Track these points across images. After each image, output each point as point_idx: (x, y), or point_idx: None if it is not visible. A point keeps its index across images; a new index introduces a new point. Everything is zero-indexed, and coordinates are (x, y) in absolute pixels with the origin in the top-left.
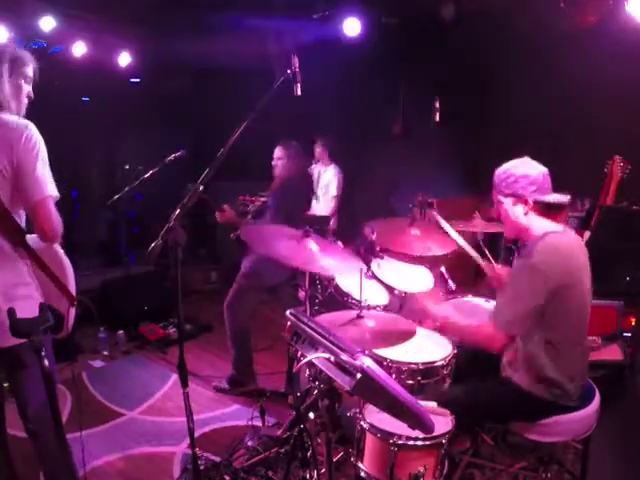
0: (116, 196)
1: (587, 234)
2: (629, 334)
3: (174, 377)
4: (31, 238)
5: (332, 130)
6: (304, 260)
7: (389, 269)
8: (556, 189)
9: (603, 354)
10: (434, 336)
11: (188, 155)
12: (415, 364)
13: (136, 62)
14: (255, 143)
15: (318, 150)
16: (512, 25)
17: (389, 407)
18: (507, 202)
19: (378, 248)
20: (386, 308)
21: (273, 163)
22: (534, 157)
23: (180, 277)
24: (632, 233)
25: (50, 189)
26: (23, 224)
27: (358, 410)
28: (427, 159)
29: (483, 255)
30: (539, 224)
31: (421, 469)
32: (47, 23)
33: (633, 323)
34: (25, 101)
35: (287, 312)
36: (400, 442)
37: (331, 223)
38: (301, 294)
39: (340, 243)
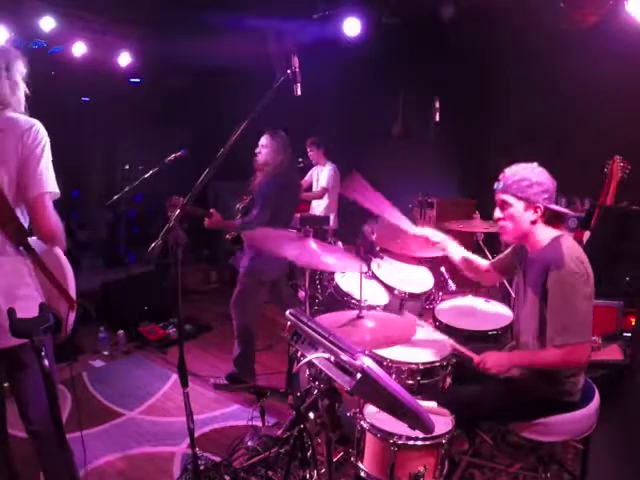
0: (116, 196)
1: (587, 234)
2: (629, 334)
3: (174, 377)
4: (33, 241)
5: (332, 130)
6: (308, 258)
7: (389, 269)
8: (557, 189)
9: (603, 354)
10: (434, 336)
11: (188, 155)
12: (415, 364)
13: (136, 62)
14: (255, 143)
15: (311, 153)
16: (512, 25)
17: (389, 407)
18: (517, 205)
19: (378, 248)
20: (386, 308)
21: (256, 151)
22: (534, 157)
23: (180, 277)
24: (632, 233)
25: (49, 185)
26: (26, 224)
27: (358, 410)
28: (427, 159)
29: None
30: (543, 231)
31: (421, 469)
32: (47, 23)
33: (633, 323)
34: (23, 98)
35: (287, 312)
36: (400, 442)
37: (331, 223)
38: (301, 294)
39: (340, 243)
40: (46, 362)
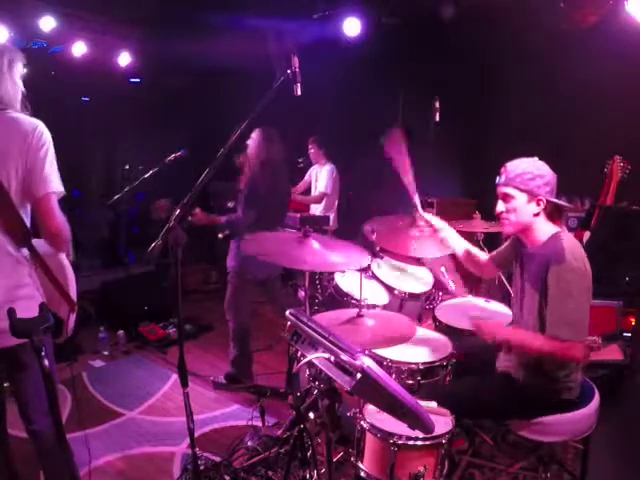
0: (116, 196)
1: (587, 234)
2: (629, 334)
3: (174, 377)
4: (36, 242)
5: (332, 130)
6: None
7: (389, 269)
8: (556, 189)
9: (603, 354)
10: (434, 336)
11: (188, 155)
12: (415, 364)
13: (136, 62)
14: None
15: (312, 151)
16: (512, 25)
17: (389, 407)
18: (520, 197)
19: (378, 248)
20: (386, 308)
21: (247, 142)
22: (534, 157)
23: (180, 277)
24: (632, 233)
25: (55, 185)
26: (29, 224)
27: (358, 410)
28: (427, 159)
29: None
30: (544, 226)
31: (421, 469)
32: (47, 23)
33: (633, 323)
34: (20, 98)
35: (287, 312)
36: (400, 442)
37: (331, 223)
38: (301, 294)
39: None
40: (46, 362)
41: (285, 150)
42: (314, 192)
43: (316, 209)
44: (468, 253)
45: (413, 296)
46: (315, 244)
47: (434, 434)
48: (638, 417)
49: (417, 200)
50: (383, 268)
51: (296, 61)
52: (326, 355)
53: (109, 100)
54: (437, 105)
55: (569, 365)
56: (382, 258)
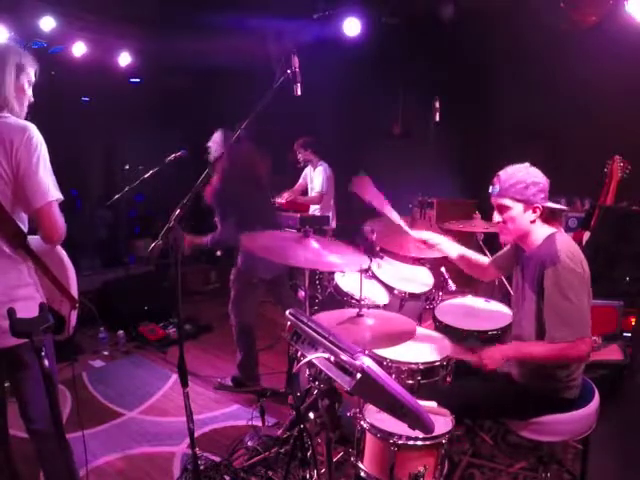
0: (116, 196)
1: (587, 234)
2: (629, 334)
3: (174, 377)
4: (33, 239)
5: (332, 130)
6: (310, 259)
7: (389, 269)
8: (556, 190)
9: (603, 354)
10: (434, 336)
11: (188, 155)
12: (415, 364)
13: (136, 62)
14: (255, 143)
15: (299, 155)
16: (512, 25)
17: (389, 407)
18: (516, 207)
19: (378, 248)
20: (386, 308)
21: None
22: (534, 157)
23: (180, 277)
24: (632, 233)
25: (52, 194)
26: (25, 226)
27: (358, 410)
28: (427, 159)
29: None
30: (540, 230)
31: (421, 469)
32: (47, 23)
33: (633, 323)
34: (26, 104)
35: (287, 312)
36: (400, 442)
37: (331, 223)
38: (301, 294)
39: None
40: (46, 362)
41: (265, 148)
42: (310, 193)
43: (315, 209)
44: (463, 257)
45: (413, 296)
46: (314, 244)
47: (434, 434)
48: (638, 417)
49: (402, 223)
50: (383, 268)
51: (296, 61)
52: (326, 355)
53: (109, 100)
54: (437, 105)
55: (570, 365)
56: (382, 258)
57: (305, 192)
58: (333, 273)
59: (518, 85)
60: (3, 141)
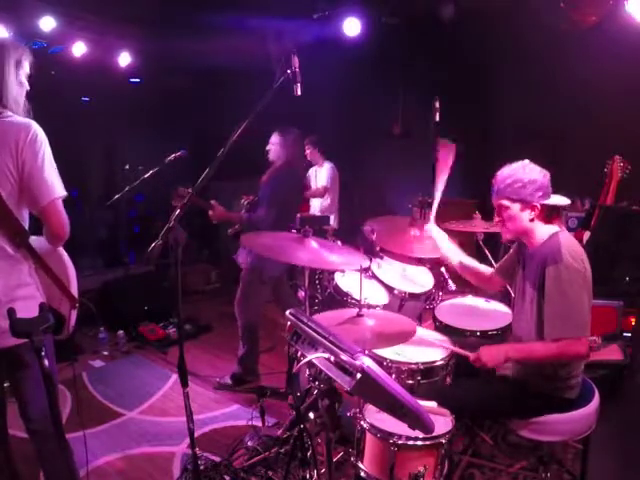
0: (116, 196)
1: (587, 234)
2: (629, 334)
3: (174, 377)
4: (35, 240)
5: (332, 130)
6: (310, 258)
7: (389, 269)
8: (556, 190)
9: (603, 354)
10: (434, 336)
11: (188, 155)
12: (415, 364)
13: (136, 62)
14: (255, 143)
15: (308, 152)
16: (512, 25)
17: (389, 407)
18: (514, 207)
19: (378, 248)
20: (386, 308)
21: (267, 148)
22: (534, 157)
23: (180, 277)
24: (632, 233)
25: (57, 191)
26: (26, 226)
27: (358, 410)
28: (427, 159)
29: (483, 255)
30: (542, 227)
31: (421, 469)
32: (47, 23)
33: (633, 323)
34: (23, 99)
35: (287, 312)
36: (400, 442)
37: (332, 223)
38: (301, 294)
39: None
40: (46, 362)
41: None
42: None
43: (316, 209)
44: (469, 269)
45: (413, 296)
46: (314, 244)
47: (434, 434)
48: (638, 417)
49: (434, 211)
50: (383, 268)
51: (296, 61)
52: (326, 355)
53: (109, 100)
54: (437, 105)
55: (570, 364)
56: (382, 258)
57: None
58: (333, 273)
59: (518, 85)
60: (8, 141)
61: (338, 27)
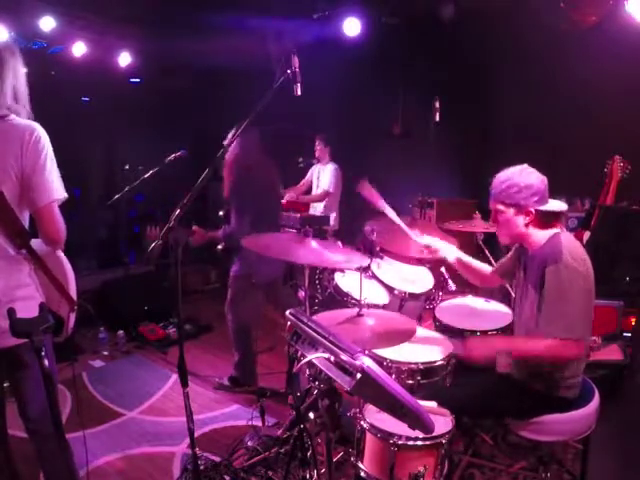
0: (116, 196)
1: (587, 234)
2: (629, 334)
3: (174, 377)
4: (35, 242)
5: (332, 130)
6: (312, 257)
7: (389, 269)
8: (556, 190)
9: (603, 354)
10: (434, 336)
11: (188, 155)
12: (415, 364)
13: (136, 62)
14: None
15: (319, 148)
16: (512, 25)
17: (389, 407)
18: (508, 212)
19: (378, 248)
20: (386, 308)
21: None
22: (534, 157)
23: (180, 277)
24: (632, 233)
25: (57, 193)
26: (27, 226)
27: (358, 410)
28: (427, 159)
29: (483, 255)
30: (541, 232)
31: (421, 469)
32: (47, 23)
33: (633, 323)
34: (26, 99)
35: (287, 312)
36: (400, 442)
37: (332, 223)
38: (301, 294)
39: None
40: (46, 362)
41: (278, 148)
42: (315, 190)
43: (316, 209)
44: (464, 264)
45: (413, 296)
46: (314, 244)
47: (434, 434)
48: (638, 417)
49: (406, 228)
50: (383, 268)
51: (296, 61)
52: (326, 355)
53: (109, 100)
54: (437, 105)
55: (570, 364)
56: (382, 258)
57: (309, 190)
58: (333, 273)
59: (518, 85)
60: (13, 143)
61: (338, 27)
